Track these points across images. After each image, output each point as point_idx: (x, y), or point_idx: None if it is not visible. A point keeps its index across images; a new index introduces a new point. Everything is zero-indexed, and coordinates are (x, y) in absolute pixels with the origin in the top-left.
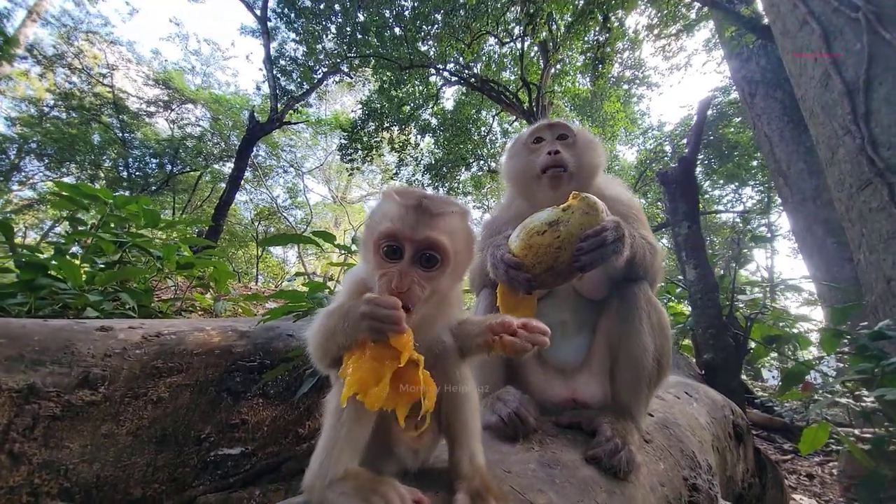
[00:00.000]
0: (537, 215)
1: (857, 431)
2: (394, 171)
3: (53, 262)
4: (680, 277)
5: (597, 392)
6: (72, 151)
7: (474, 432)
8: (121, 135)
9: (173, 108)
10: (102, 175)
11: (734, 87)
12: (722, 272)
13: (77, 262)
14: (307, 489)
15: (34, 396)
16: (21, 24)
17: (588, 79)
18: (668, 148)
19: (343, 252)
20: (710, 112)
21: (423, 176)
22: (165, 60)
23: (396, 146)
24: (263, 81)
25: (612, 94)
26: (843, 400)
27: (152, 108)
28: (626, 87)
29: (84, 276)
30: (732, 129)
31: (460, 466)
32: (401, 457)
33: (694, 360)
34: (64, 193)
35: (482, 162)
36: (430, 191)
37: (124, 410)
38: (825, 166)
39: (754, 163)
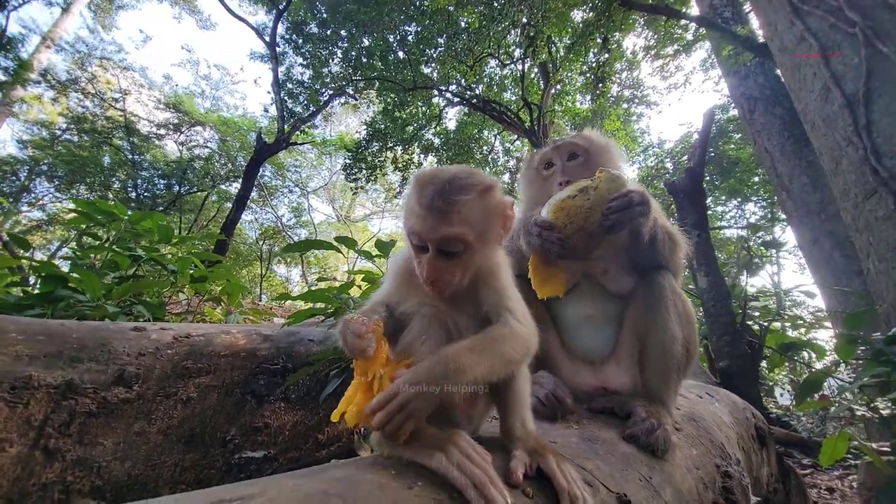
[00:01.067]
0: (567, 188)
1: (874, 445)
2: (397, 191)
3: (73, 274)
4: (691, 287)
5: (626, 380)
6: (82, 173)
7: (524, 400)
8: (131, 157)
9: (182, 130)
10: (111, 196)
11: (732, 105)
12: (732, 282)
13: (94, 275)
14: (377, 445)
15: (71, 392)
16: (35, 50)
17: (588, 98)
18: (668, 165)
19: (363, 257)
20: (713, 121)
21: None
22: (176, 85)
23: (400, 165)
24: (271, 104)
25: (612, 113)
26: (860, 410)
27: (162, 131)
28: (625, 105)
29: (101, 289)
30: (733, 146)
31: (513, 430)
32: (456, 421)
33: (707, 368)
34: (80, 209)
35: None
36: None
37: (156, 409)
38: (829, 177)
39: (756, 178)
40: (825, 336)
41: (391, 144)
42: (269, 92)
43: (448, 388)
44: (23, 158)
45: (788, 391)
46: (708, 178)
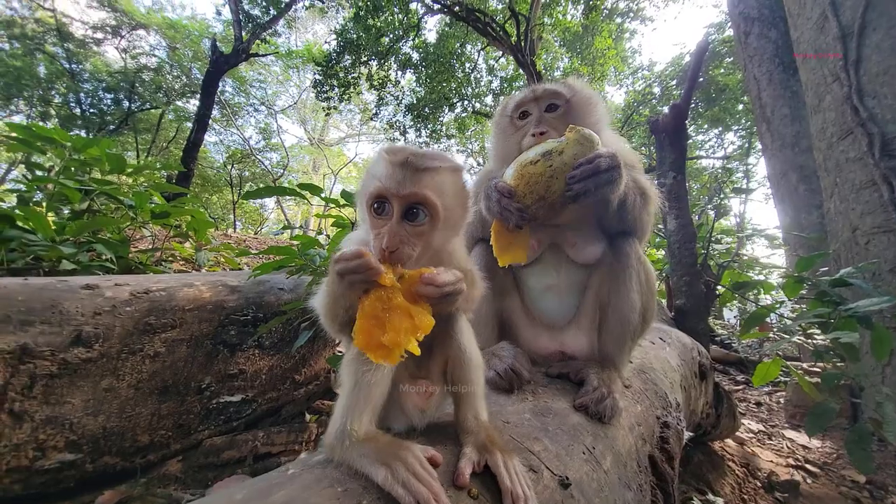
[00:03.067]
0: (532, 149)
1: (805, 365)
2: (373, 111)
3: (18, 211)
4: (660, 227)
5: (584, 345)
6: (18, 86)
7: (478, 391)
8: (68, 66)
9: (123, 34)
10: (54, 112)
11: (729, 24)
12: (698, 218)
13: (42, 212)
14: (328, 448)
15: (27, 357)
16: None
17: (580, 11)
18: (657, 90)
19: (329, 205)
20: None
21: (404, 116)
22: None
23: (375, 83)
24: (224, 4)
25: (605, 29)
26: (796, 339)
27: (99, 35)
28: (618, 20)
29: (53, 226)
30: (722, 71)
31: (466, 423)
32: (409, 415)
33: (665, 304)
34: (15, 135)
35: (466, 102)
36: (418, 140)
37: (122, 366)
38: (810, 113)
39: (740, 107)
40: (778, 261)
41: (365, 58)
42: None
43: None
44: None
45: (735, 316)
46: (694, 104)
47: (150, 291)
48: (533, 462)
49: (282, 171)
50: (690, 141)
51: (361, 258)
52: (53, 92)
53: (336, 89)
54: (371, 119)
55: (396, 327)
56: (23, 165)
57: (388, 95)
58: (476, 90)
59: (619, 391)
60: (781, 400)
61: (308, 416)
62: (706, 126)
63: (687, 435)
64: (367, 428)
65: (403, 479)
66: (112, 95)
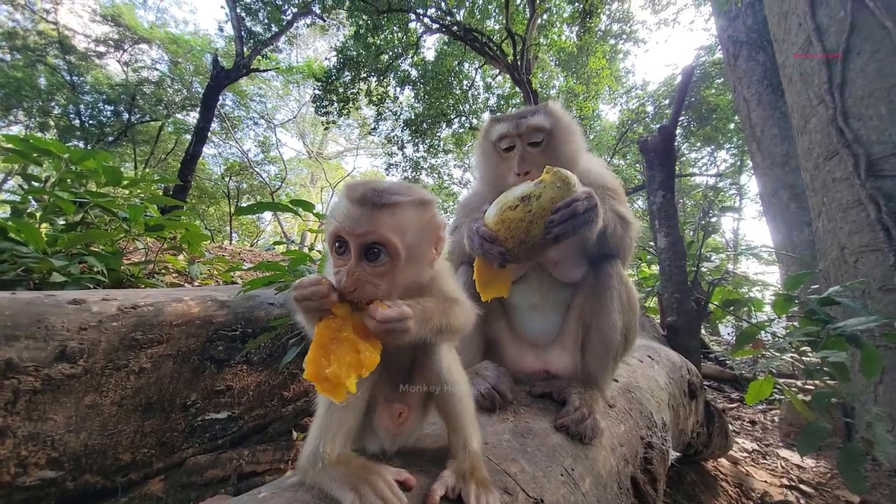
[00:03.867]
0: (512, 190)
1: (799, 383)
2: (372, 126)
3: (10, 223)
4: (651, 244)
5: (567, 363)
6: (18, 97)
7: (464, 421)
8: (69, 78)
9: (125, 48)
10: (53, 123)
11: (719, 47)
12: (691, 234)
13: (35, 223)
14: (301, 471)
15: (12, 371)
16: None
17: (574, 32)
18: (650, 108)
19: (322, 220)
20: (693, 75)
21: (402, 131)
22: None
23: (374, 99)
24: (226, 21)
25: (599, 50)
26: (788, 356)
27: (101, 48)
28: (612, 41)
29: (45, 238)
30: (713, 91)
31: (454, 450)
32: (381, 437)
33: (658, 322)
34: (12, 146)
35: (464, 118)
36: (416, 154)
37: (106, 382)
38: (797, 135)
39: (731, 126)
40: (771, 280)
41: (364, 74)
42: (222, 6)
43: (417, 327)
44: None
45: (729, 333)
46: (686, 122)
47: (138, 306)
48: (508, 484)
49: (279, 183)
50: (684, 158)
51: (317, 286)
52: (53, 103)
53: (335, 104)
54: (369, 133)
55: (340, 360)
56: (18, 176)
57: (386, 111)
58: (473, 107)
59: (601, 411)
60: (776, 418)
61: (295, 434)
62: (699, 144)
63: (673, 455)
64: (339, 450)
65: None
66: (112, 107)
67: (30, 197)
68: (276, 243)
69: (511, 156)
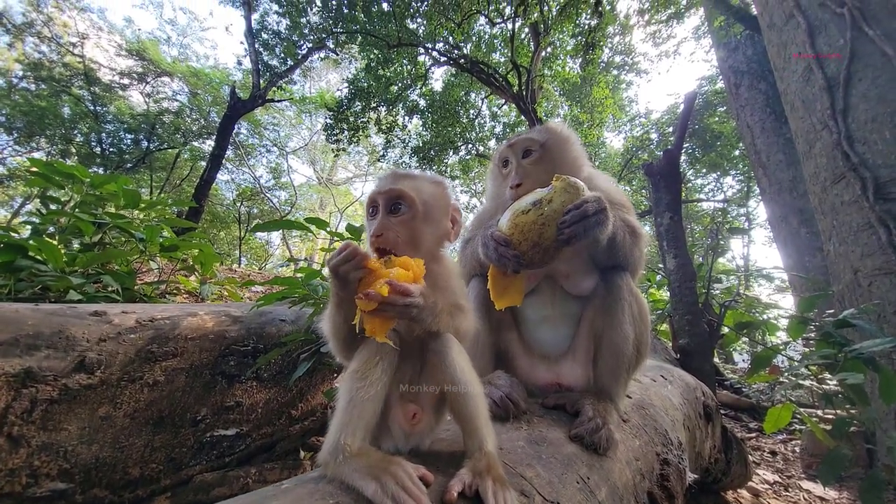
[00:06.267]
0: (524, 198)
1: (819, 413)
2: (380, 153)
3: (31, 242)
4: (661, 266)
5: (579, 376)
6: (41, 125)
7: (479, 422)
8: (92, 108)
9: (148, 80)
10: (74, 150)
11: (720, 77)
12: (700, 259)
13: (55, 243)
14: (323, 464)
15: (31, 380)
16: None
17: (578, 64)
18: (654, 136)
19: (335, 239)
20: (696, 101)
21: (410, 158)
22: (139, 29)
23: (384, 127)
24: (245, 56)
25: (602, 80)
26: (807, 382)
27: (125, 81)
28: (615, 72)
29: (64, 257)
30: (717, 119)
31: (470, 450)
32: (394, 436)
33: (670, 345)
34: (37, 170)
35: (470, 146)
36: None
37: (121, 394)
38: (802, 159)
39: (736, 153)
40: (788, 304)
41: (374, 104)
42: (242, 42)
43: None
44: None
45: (744, 360)
46: (691, 149)
47: (156, 319)
48: (525, 487)
49: (289, 208)
50: (690, 184)
51: (349, 247)
52: (76, 131)
53: (346, 132)
54: (378, 160)
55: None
56: (38, 200)
57: (395, 139)
58: (479, 135)
59: (615, 423)
60: (797, 449)
61: (303, 453)
62: (704, 170)
63: (691, 477)
64: (360, 444)
65: (393, 493)
66: (132, 136)
67: (50, 218)
68: (289, 260)
69: (508, 170)
